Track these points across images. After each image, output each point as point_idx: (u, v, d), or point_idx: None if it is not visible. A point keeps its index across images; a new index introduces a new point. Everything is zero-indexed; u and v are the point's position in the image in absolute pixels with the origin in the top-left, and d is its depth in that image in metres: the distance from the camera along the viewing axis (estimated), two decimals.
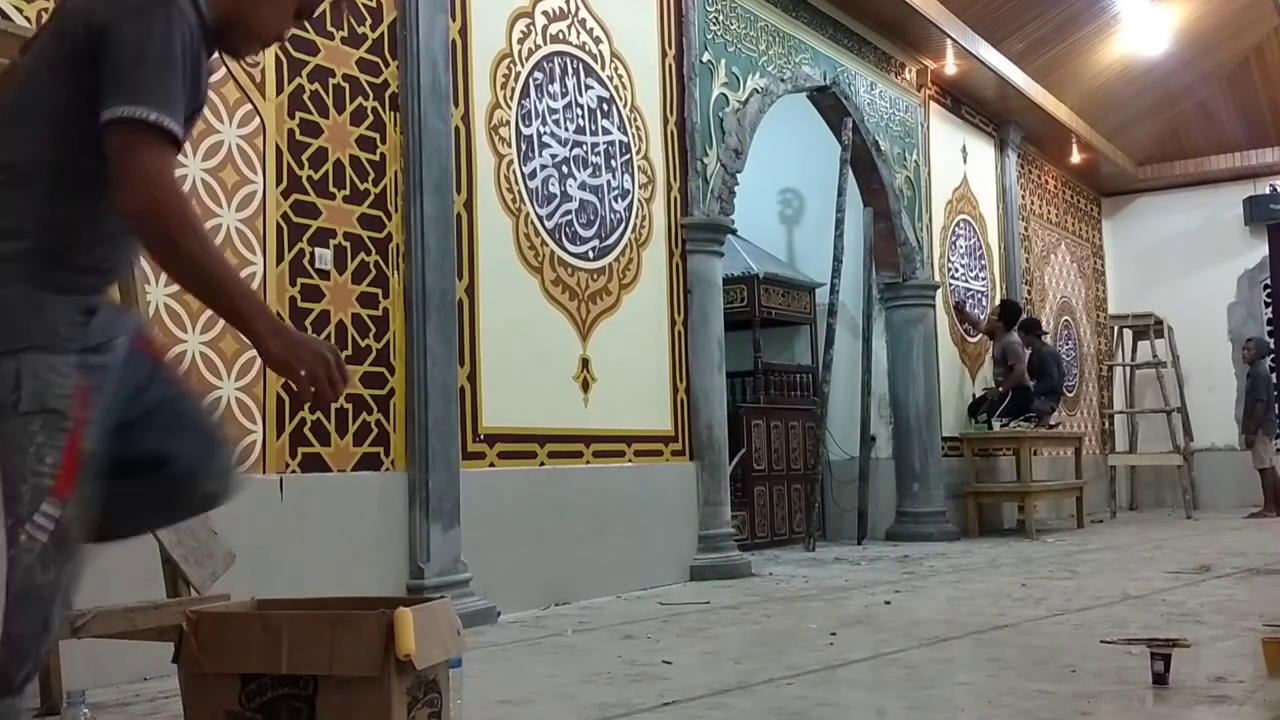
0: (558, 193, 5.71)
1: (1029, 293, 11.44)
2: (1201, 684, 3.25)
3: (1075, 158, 12.37)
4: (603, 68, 6.07)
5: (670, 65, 6.57)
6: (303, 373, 1.83)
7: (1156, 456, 12.62)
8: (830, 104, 8.36)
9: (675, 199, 6.52)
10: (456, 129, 5.10)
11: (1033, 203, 12.01)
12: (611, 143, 6.08)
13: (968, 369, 10.15)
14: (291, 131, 4.38)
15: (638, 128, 6.29)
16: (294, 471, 4.27)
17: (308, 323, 4.36)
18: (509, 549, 5.17)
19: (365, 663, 2.06)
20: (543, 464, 5.50)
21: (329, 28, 4.57)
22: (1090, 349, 13.28)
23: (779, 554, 7.96)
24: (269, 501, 4.10)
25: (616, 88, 6.15)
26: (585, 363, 5.81)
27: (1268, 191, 13.16)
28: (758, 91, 7.23)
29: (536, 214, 5.56)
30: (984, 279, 10.62)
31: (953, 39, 9.01)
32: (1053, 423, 10.26)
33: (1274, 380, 12.17)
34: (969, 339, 10.15)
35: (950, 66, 9.52)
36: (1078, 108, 11.31)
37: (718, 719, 3.06)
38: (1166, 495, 13.08)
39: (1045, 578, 6.27)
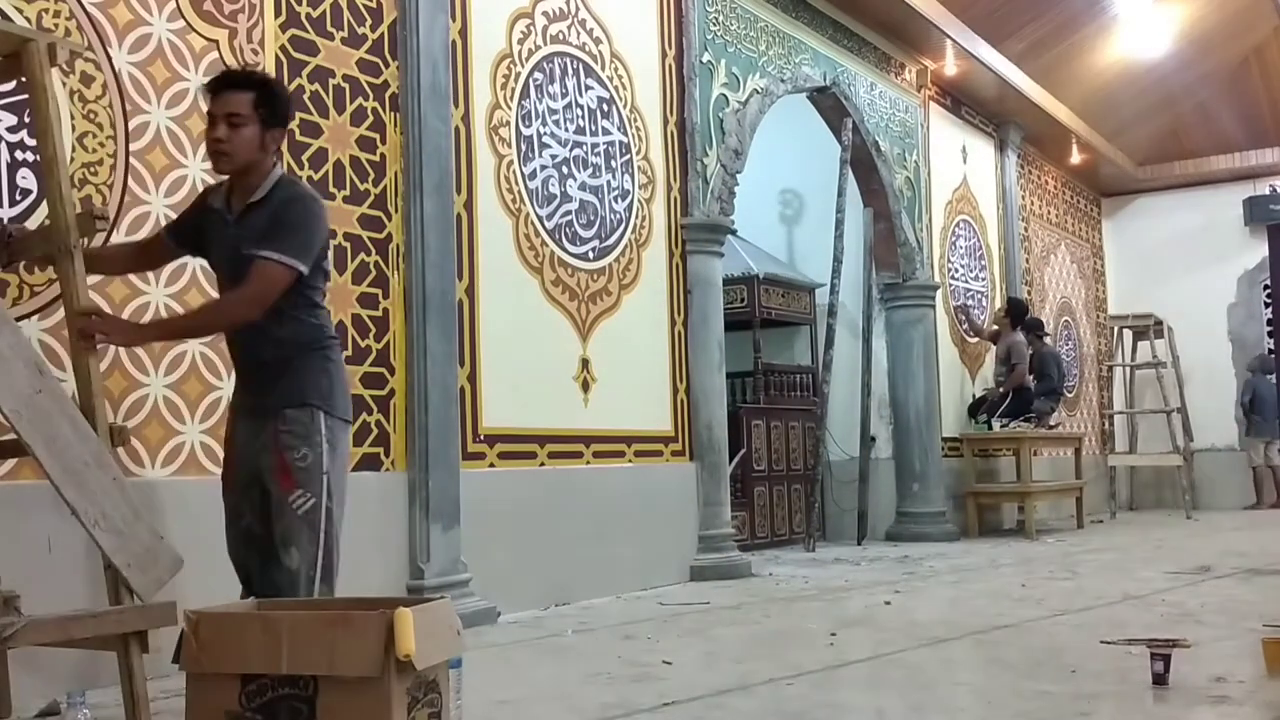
0: (558, 193, 5.71)
1: (1029, 293, 11.43)
2: (1201, 684, 3.25)
3: (1075, 158, 12.36)
4: (603, 68, 6.07)
5: (670, 65, 6.57)
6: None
7: (1156, 457, 12.61)
8: (830, 104, 8.37)
9: (675, 199, 6.52)
10: (456, 129, 5.10)
11: (1033, 203, 12.01)
12: (611, 143, 6.08)
13: (968, 369, 10.15)
14: (292, 132, 4.37)
15: (638, 128, 6.29)
16: None
17: None
18: (509, 549, 5.17)
19: (365, 663, 2.06)
20: (543, 464, 5.50)
21: (329, 28, 4.58)
22: (1090, 349, 13.28)
23: (779, 554, 7.96)
24: None
25: (616, 88, 6.15)
26: (585, 363, 5.81)
27: (1267, 192, 13.15)
28: (758, 92, 7.23)
29: (536, 214, 5.56)
30: (984, 279, 10.62)
31: (953, 39, 9.01)
32: (1053, 423, 10.26)
33: (1274, 381, 12.18)
34: (969, 339, 10.15)
35: (950, 67, 9.52)
36: (1078, 108, 11.31)
37: (717, 719, 3.07)
38: (1166, 495, 13.09)
39: (1045, 578, 6.28)
